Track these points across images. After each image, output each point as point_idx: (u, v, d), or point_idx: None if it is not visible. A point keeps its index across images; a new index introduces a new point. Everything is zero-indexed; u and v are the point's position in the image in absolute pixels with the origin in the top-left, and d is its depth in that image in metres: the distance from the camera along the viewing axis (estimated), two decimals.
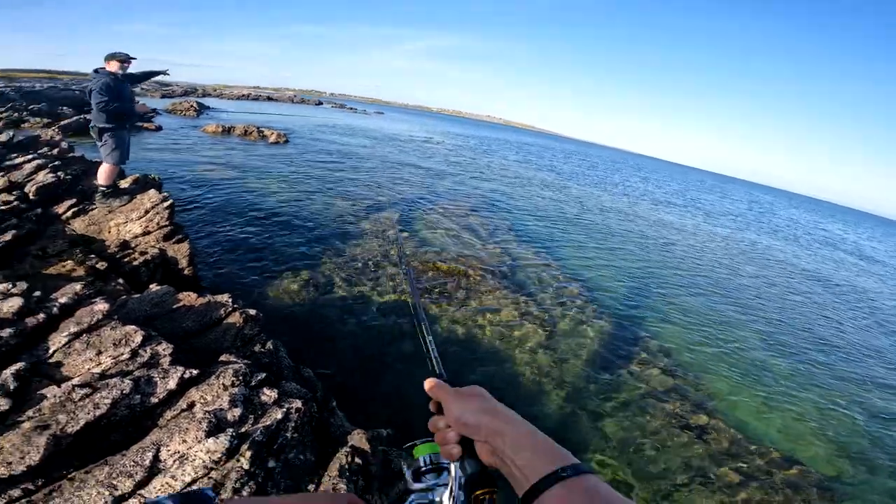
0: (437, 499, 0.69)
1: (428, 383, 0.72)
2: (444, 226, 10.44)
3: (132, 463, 2.09)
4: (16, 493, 1.91)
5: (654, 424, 4.94)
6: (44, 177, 5.33)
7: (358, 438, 2.97)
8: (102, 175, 5.37)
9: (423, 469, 0.72)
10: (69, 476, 2.04)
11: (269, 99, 57.82)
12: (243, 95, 53.73)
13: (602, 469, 4.18)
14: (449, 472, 0.70)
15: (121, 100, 5.18)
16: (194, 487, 0.54)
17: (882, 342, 9.76)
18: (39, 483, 1.98)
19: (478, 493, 0.61)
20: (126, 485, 1.99)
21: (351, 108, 75.58)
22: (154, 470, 2.12)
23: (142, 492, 1.99)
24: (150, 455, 2.16)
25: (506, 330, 6.08)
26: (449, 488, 0.68)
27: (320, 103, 71.72)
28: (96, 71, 5.19)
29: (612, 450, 4.43)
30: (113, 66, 5.20)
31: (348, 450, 2.73)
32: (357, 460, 2.67)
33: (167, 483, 2.05)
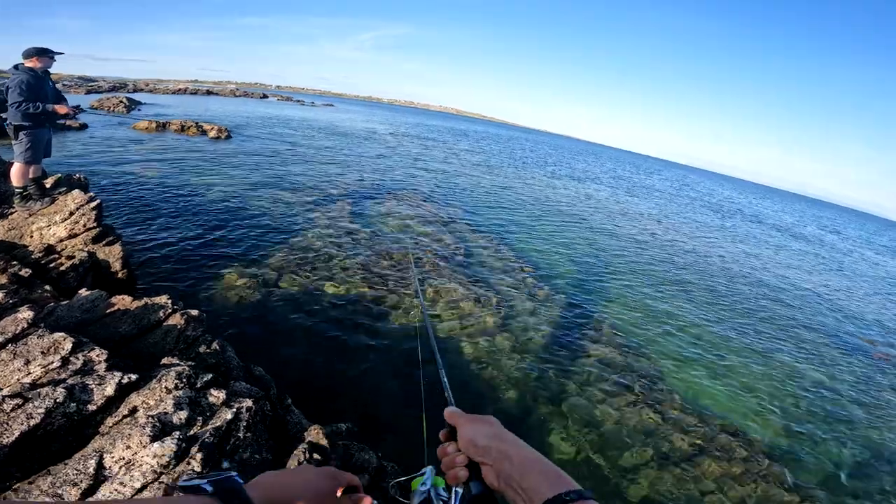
0: None
1: (447, 412, 0.78)
2: (396, 215, 10.42)
3: (75, 471, 2.03)
4: None
5: (612, 402, 5.14)
6: None
7: (315, 434, 2.98)
8: (14, 175, 5.03)
9: (417, 501, 0.77)
10: (13, 487, 1.97)
11: (210, 93, 54.93)
12: (180, 90, 50.72)
13: (566, 449, 4.31)
14: (445, 499, 0.75)
15: (41, 98, 4.85)
16: (226, 473, 0.57)
17: (817, 310, 10.70)
18: None
19: None
20: (72, 493, 1.94)
21: (299, 101, 73.17)
22: (100, 477, 2.05)
23: (90, 499, 1.93)
24: (93, 462, 2.09)
25: (461, 318, 6.19)
26: None
27: (265, 96, 68.97)
28: (16, 67, 4.85)
29: (571, 428, 4.58)
30: (33, 63, 4.85)
31: (305, 446, 2.73)
32: (316, 456, 2.68)
33: (116, 490, 1.99)
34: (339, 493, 0.71)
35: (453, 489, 0.71)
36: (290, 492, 0.65)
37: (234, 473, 0.60)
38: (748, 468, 4.65)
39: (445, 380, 0.94)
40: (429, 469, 0.81)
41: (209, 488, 0.55)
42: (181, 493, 0.55)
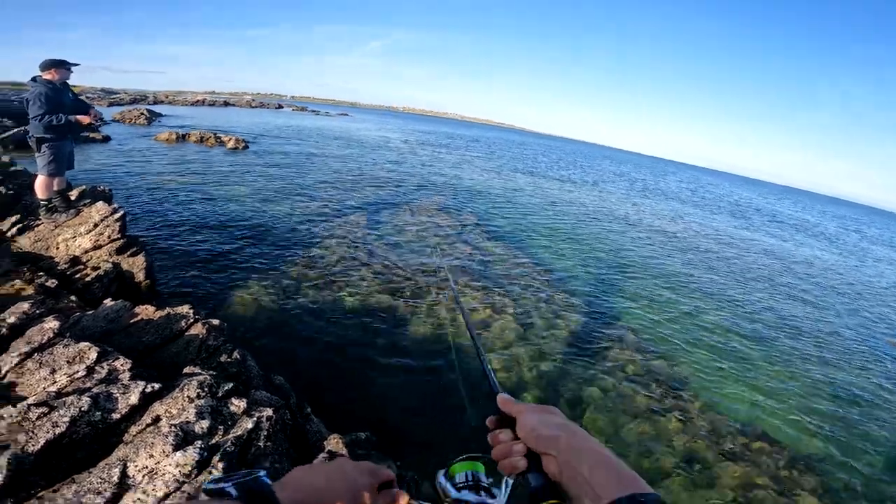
0: None
1: (501, 398, 0.74)
2: (412, 224, 10.44)
3: (99, 480, 2.04)
4: None
5: (635, 410, 5.03)
6: None
7: (335, 443, 2.97)
8: (39, 188, 5.12)
9: (461, 485, 0.72)
10: (38, 495, 1.98)
11: (227, 104, 56.14)
12: (198, 101, 51.98)
13: None
14: (488, 490, 0.71)
15: (61, 109, 4.92)
16: (254, 473, 0.54)
17: (848, 320, 10.34)
18: (9, 503, 1.91)
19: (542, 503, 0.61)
20: (96, 502, 1.94)
21: (313, 111, 74.28)
22: (123, 486, 2.06)
23: None
24: (117, 471, 2.11)
25: (481, 326, 6.14)
26: (499, 501, 0.68)
27: (281, 107, 70.15)
28: (34, 80, 4.93)
29: (595, 436, 4.50)
30: (50, 75, 4.94)
31: (325, 455, 2.72)
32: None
33: (139, 499, 2.00)
34: (377, 486, 0.67)
35: (504, 479, 0.67)
36: (325, 489, 0.61)
37: (261, 473, 0.56)
38: (776, 475, 4.51)
39: (489, 367, 0.87)
40: (480, 457, 0.77)
41: (234, 492, 0.51)
42: (205, 496, 0.52)
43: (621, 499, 0.51)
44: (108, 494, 1.97)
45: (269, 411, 2.71)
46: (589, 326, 6.85)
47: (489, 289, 7.37)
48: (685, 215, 21.92)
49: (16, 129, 13.58)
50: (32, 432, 2.14)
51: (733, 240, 17.59)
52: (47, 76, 4.93)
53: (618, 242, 12.88)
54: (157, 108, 31.77)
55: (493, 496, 0.71)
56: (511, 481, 0.66)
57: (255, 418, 2.63)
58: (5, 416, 2.22)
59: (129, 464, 2.16)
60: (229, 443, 2.38)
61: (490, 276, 8.02)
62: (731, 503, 4.07)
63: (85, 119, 5.08)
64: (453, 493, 0.74)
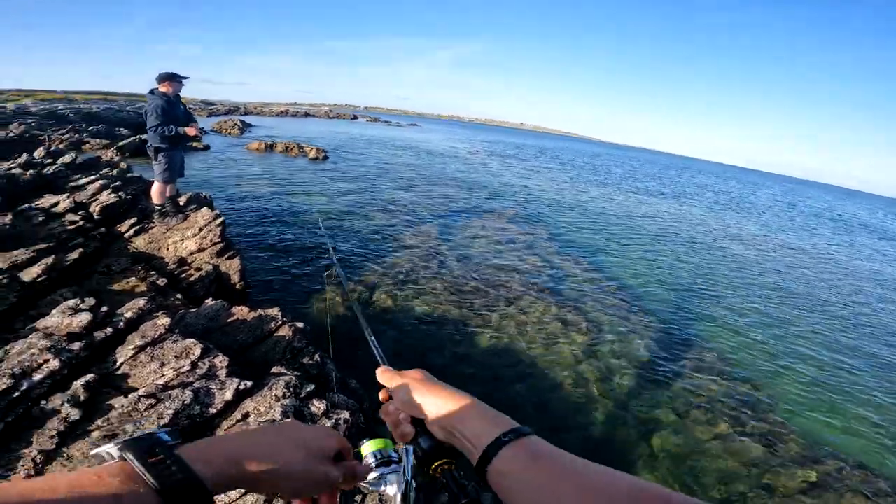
0: (387, 486, 0.68)
1: (379, 371, 0.75)
2: (483, 236, 10.41)
3: None
4: None
5: (711, 433, 4.69)
6: (106, 197, 5.68)
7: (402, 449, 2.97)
8: (154, 194, 5.60)
9: (374, 465, 0.71)
10: None
11: (307, 115, 59.94)
12: (282, 112, 55.98)
13: (657, 477, 4.00)
14: (398, 461, 0.70)
15: (174, 121, 5.31)
16: (149, 430, 0.45)
17: None
18: None
19: (435, 465, 0.62)
20: None
21: (385, 122, 77.21)
22: None
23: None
24: None
25: (550, 340, 5.96)
26: (401, 471, 0.68)
27: (355, 117, 73.65)
28: (151, 92, 5.32)
29: (667, 461, 4.22)
30: (165, 88, 5.33)
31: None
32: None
33: (223, 495, 2.11)
34: (332, 454, 0.60)
35: (404, 447, 0.67)
36: (266, 446, 0.53)
37: (161, 430, 0.47)
38: None
39: (373, 339, 0.91)
40: (364, 443, 0.73)
41: (115, 452, 0.43)
42: (89, 465, 0.44)
43: (490, 444, 0.54)
44: None
45: (346, 414, 2.77)
46: (665, 345, 6.42)
47: (560, 303, 7.13)
48: (777, 231, 19.99)
49: (132, 138, 15.39)
50: (139, 423, 2.31)
51: (833, 259, 15.74)
52: (163, 89, 5.33)
53: (699, 259, 11.98)
54: (247, 119, 34.64)
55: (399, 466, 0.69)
56: (409, 448, 0.66)
57: (333, 420, 2.69)
58: (116, 405, 2.45)
59: None
60: None
61: (561, 290, 7.76)
62: None
63: (192, 131, 5.52)
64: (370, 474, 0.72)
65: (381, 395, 0.74)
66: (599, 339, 6.24)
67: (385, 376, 0.73)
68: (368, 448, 0.73)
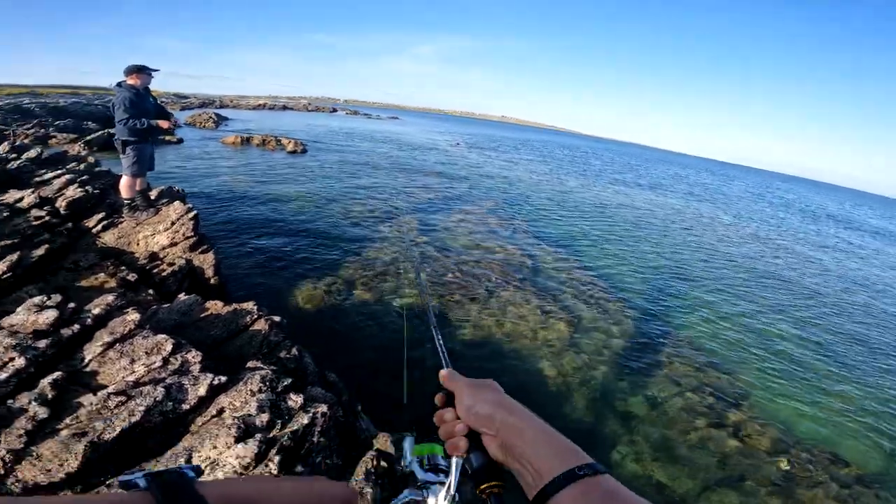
0: (428, 497, 0.68)
1: (443, 374, 0.72)
2: (463, 228, 10.43)
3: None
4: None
5: (686, 423, 4.82)
6: (73, 191, 5.50)
7: (383, 442, 2.99)
8: (123, 188, 5.48)
9: (419, 468, 0.72)
10: (107, 482, 2.10)
11: (285, 108, 58.85)
12: (260, 105, 54.80)
13: (634, 469, 4.09)
14: (447, 472, 0.70)
15: (143, 114, 5.20)
16: (175, 466, 0.49)
17: None
18: (79, 490, 2.04)
19: (483, 486, 0.59)
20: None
21: (365, 115, 76.40)
22: None
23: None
24: (182, 461, 2.21)
25: (530, 331, 6.04)
26: (447, 485, 0.66)
27: (335, 110, 72.67)
28: (119, 85, 5.21)
29: (643, 450, 4.33)
30: (133, 80, 5.21)
31: (374, 453, 2.74)
32: (382, 463, 2.68)
33: None
34: None
35: (453, 459, 0.65)
36: (278, 494, 0.53)
37: (186, 466, 0.51)
38: (839, 495, 4.16)
39: (440, 339, 0.86)
40: (407, 441, 0.74)
41: (142, 483, 0.47)
42: (118, 489, 0.47)
43: (560, 475, 0.50)
44: None
45: (323, 407, 2.77)
46: (642, 335, 6.57)
47: (539, 294, 7.23)
48: (749, 221, 20.58)
49: (101, 132, 14.89)
50: (109, 420, 2.27)
51: (802, 248, 16.30)
52: (131, 81, 5.21)
53: (675, 249, 12.27)
54: (223, 112, 33.83)
55: (447, 476, 0.68)
56: (460, 461, 0.64)
57: (310, 414, 2.69)
58: (85, 403, 2.40)
59: (193, 454, 2.25)
60: (286, 437, 2.45)
61: (540, 281, 7.86)
62: None
63: (164, 124, 5.38)
64: (419, 473, 0.72)
65: (438, 398, 0.71)
66: (578, 329, 6.35)
67: (452, 381, 0.70)
68: (421, 451, 0.72)
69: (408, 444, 0.75)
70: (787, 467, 4.42)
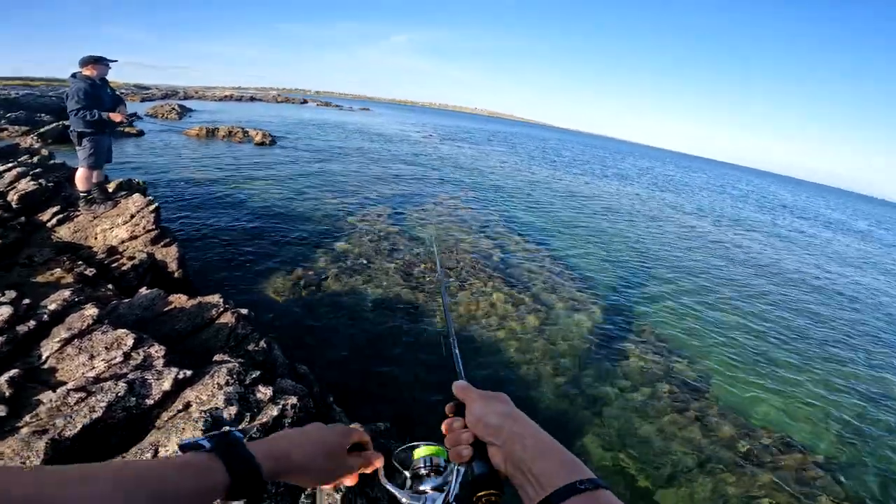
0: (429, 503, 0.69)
1: (456, 385, 0.74)
2: (434, 219, 10.46)
3: None
4: None
5: (653, 410, 4.96)
6: (25, 185, 5.25)
7: None
8: (79, 180, 5.30)
9: (424, 472, 0.73)
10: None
11: (253, 99, 57.20)
12: (226, 97, 53.08)
13: (603, 457, 4.19)
14: (443, 471, 0.72)
15: (98, 105, 5.05)
16: (225, 429, 0.64)
17: (877, 322, 9.96)
18: None
19: (481, 493, 0.60)
20: None
21: (336, 106, 75.10)
22: None
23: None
24: (149, 456, 2.18)
25: (500, 320, 6.14)
26: (445, 493, 0.68)
27: (305, 102, 71.15)
28: (73, 76, 5.06)
29: (611, 437, 4.44)
30: (89, 71, 5.06)
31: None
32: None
33: None
34: (347, 447, 0.72)
35: (455, 467, 0.68)
36: (298, 446, 0.66)
37: (234, 429, 0.61)
38: (798, 478, 4.38)
39: (457, 352, 0.89)
40: (420, 447, 0.77)
41: (207, 444, 0.56)
42: (181, 452, 0.56)
43: (562, 488, 0.52)
44: None
45: (293, 399, 2.77)
46: (609, 324, 6.76)
47: (508, 283, 7.34)
48: (710, 211, 21.38)
49: (55, 124, 14.16)
50: (70, 417, 2.21)
51: (759, 236, 17.08)
52: (86, 72, 5.05)
53: (639, 238, 12.65)
54: (187, 104, 32.62)
55: (446, 483, 0.71)
56: (462, 470, 0.66)
57: (280, 406, 2.68)
58: (45, 400, 2.33)
59: (160, 449, 2.23)
60: (255, 429, 2.44)
61: (509, 271, 7.98)
62: None
63: (117, 117, 5.19)
64: (408, 484, 0.75)
65: (448, 408, 0.73)
66: (548, 318, 6.48)
67: (464, 392, 0.72)
68: (422, 452, 0.75)
69: (418, 450, 0.80)
70: (748, 452, 4.59)
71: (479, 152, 28.67)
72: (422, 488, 0.71)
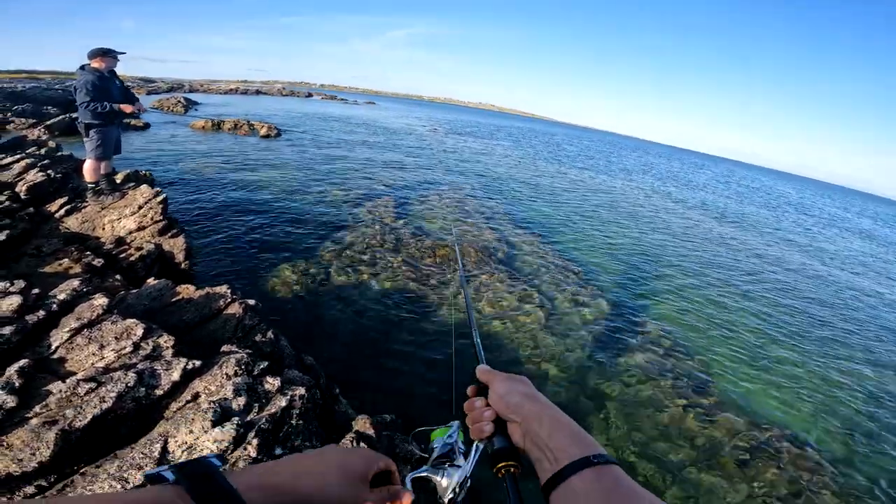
0: (443, 477, 0.70)
1: (479, 369, 0.79)
2: (440, 212, 10.43)
3: (141, 455, 2.10)
4: (29, 489, 1.92)
5: (656, 404, 4.95)
6: (34, 176, 5.27)
7: (362, 424, 3.01)
8: (87, 171, 5.34)
9: (442, 451, 0.75)
10: (80, 471, 2.05)
11: (259, 92, 57.17)
12: (232, 90, 53.09)
13: (607, 449, 4.20)
14: (464, 455, 0.74)
15: (108, 97, 5.07)
16: (197, 455, 0.50)
17: (882, 316, 9.88)
18: (52, 479, 2.00)
19: (500, 465, 0.65)
20: (137, 477, 2.00)
21: (341, 99, 74.94)
22: (164, 461, 2.12)
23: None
24: (158, 447, 2.17)
25: (505, 313, 6.12)
26: (463, 467, 0.71)
27: (310, 95, 71.03)
28: (82, 68, 5.08)
29: (615, 431, 4.43)
30: (98, 63, 5.08)
31: (353, 436, 2.75)
32: (362, 445, 2.71)
33: None
34: (370, 476, 0.63)
35: (475, 444, 0.71)
36: (308, 472, 0.57)
37: (210, 455, 0.51)
38: (798, 475, 4.35)
39: (478, 340, 0.96)
40: (455, 423, 0.80)
41: (170, 476, 0.48)
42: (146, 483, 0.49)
43: (576, 461, 0.55)
44: (149, 470, 2.02)
45: (301, 390, 2.76)
46: (614, 318, 6.73)
47: (514, 277, 7.32)
48: (715, 207, 21.22)
49: (62, 116, 14.21)
50: (80, 408, 2.21)
51: (764, 232, 16.95)
52: (95, 64, 5.08)
53: (645, 233, 12.57)
54: (192, 97, 32.63)
55: (465, 459, 0.74)
56: (481, 446, 0.70)
57: (288, 396, 2.68)
58: (55, 390, 2.33)
59: (169, 440, 2.22)
60: (264, 420, 2.44)
61: (515, 265, 7.95)
62: (757, 499, 3.97)
63: (128, 108, 5.23)
64: (433, 456, 0.76)
65: (470, 390, 0.78)
66: (553, 312, 6.46)
67: (487, 374, 0.77)
68: (437, 433, 0.78)
69: (455, 426, 0.81)
70: (751, 446, 4.57)
71: (483, 146, 28.57)
72: (442, 462, 0.73)
